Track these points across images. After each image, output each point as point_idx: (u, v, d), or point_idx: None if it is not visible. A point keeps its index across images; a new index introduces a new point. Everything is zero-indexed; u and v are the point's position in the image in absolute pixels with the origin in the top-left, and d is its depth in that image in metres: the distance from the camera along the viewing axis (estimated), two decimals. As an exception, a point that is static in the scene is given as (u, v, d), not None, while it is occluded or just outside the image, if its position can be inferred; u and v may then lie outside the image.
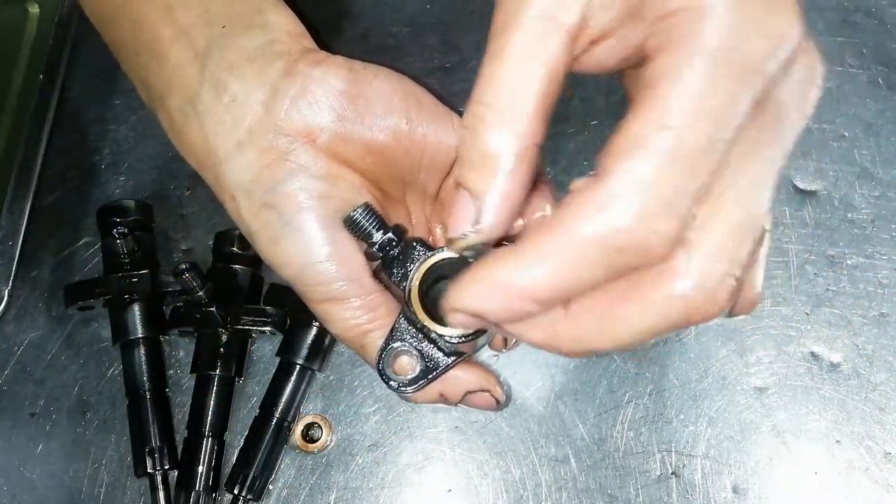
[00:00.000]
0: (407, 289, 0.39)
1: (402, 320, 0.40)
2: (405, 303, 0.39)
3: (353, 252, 0.41)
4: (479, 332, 0.38)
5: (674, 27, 0.27)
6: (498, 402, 0.43)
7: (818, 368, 0.52)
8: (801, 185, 0.57)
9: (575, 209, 0.27)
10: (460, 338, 0.38)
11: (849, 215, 0.56)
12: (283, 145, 0.40)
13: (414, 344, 0.40)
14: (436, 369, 0.40)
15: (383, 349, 0.40)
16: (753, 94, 0.27)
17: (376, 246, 0.40)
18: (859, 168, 0.57)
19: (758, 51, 0.27)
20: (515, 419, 0.52)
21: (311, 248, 0.40)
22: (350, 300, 0.40)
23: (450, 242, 0.32)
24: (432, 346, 0.40)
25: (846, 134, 0.58)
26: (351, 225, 0.40)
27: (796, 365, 0.52)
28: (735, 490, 0.50)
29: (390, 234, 0.40)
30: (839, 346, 0.52)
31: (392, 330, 0.40)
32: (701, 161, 0.27)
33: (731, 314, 0.32)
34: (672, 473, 0.50)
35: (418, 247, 0.41)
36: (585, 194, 0.27)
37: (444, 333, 0.38)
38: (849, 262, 0.54)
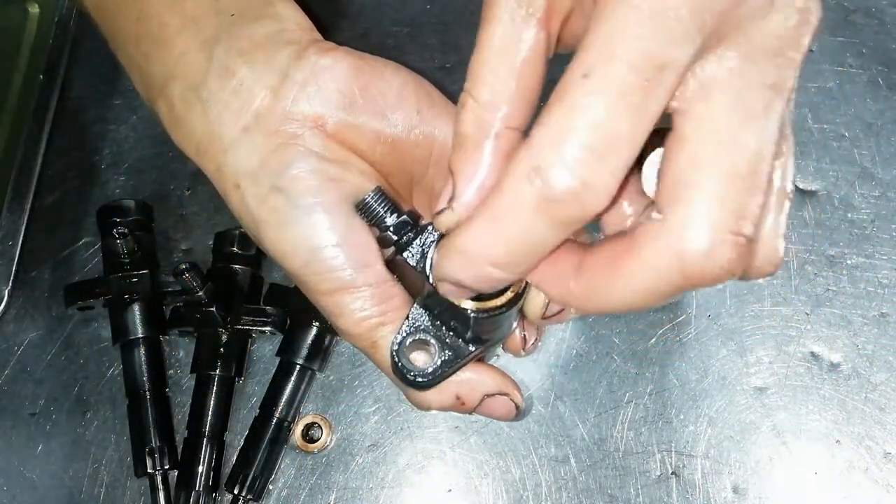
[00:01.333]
0: (428, 265, 0.37)
1: (417, 309, 0.39)
2: (425, 279, 0.37)
3: (365, 238, 0.39)
4: (511, 304, 0.36)
5: None
6: (518, 408, 0.41)
7: (818, 368, 0.52)
8: (801, 185, 0.57)
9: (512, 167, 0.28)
10: (488, 311, 0.36)
11: (849, 215, 0.56)
12: (292, 130, 0.39)
13: (433, 332, 0.38)
14: (457, 358, 0.38)
15: (400, 339, 0.38)
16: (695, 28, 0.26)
17: (391, 229, 0.39)
18: (859, 168, 0.57)
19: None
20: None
21: (321, 232, 0.38)
22: (360, 289, 0.39)
23: (434, 219, 0.33)
24: (451, 334, 0.38)
25: (846, 134, 0.58)
26: (363, 209, 0.39)
27: (796, 365, 0.52)
28: (735, 490, 0.50)
29: (405, 217, 0.39)
30: (839, 346, 0.52)
31: (407, 318, 0.38)
32: (631, 97, 0.26)
33: (747, 276, 0.30)
34: (672, 473, 0.50)
35: (434, 230, 0.38)
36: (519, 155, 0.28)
37: (468, 307, 0.36)
38: (849, 262, 0.54)
